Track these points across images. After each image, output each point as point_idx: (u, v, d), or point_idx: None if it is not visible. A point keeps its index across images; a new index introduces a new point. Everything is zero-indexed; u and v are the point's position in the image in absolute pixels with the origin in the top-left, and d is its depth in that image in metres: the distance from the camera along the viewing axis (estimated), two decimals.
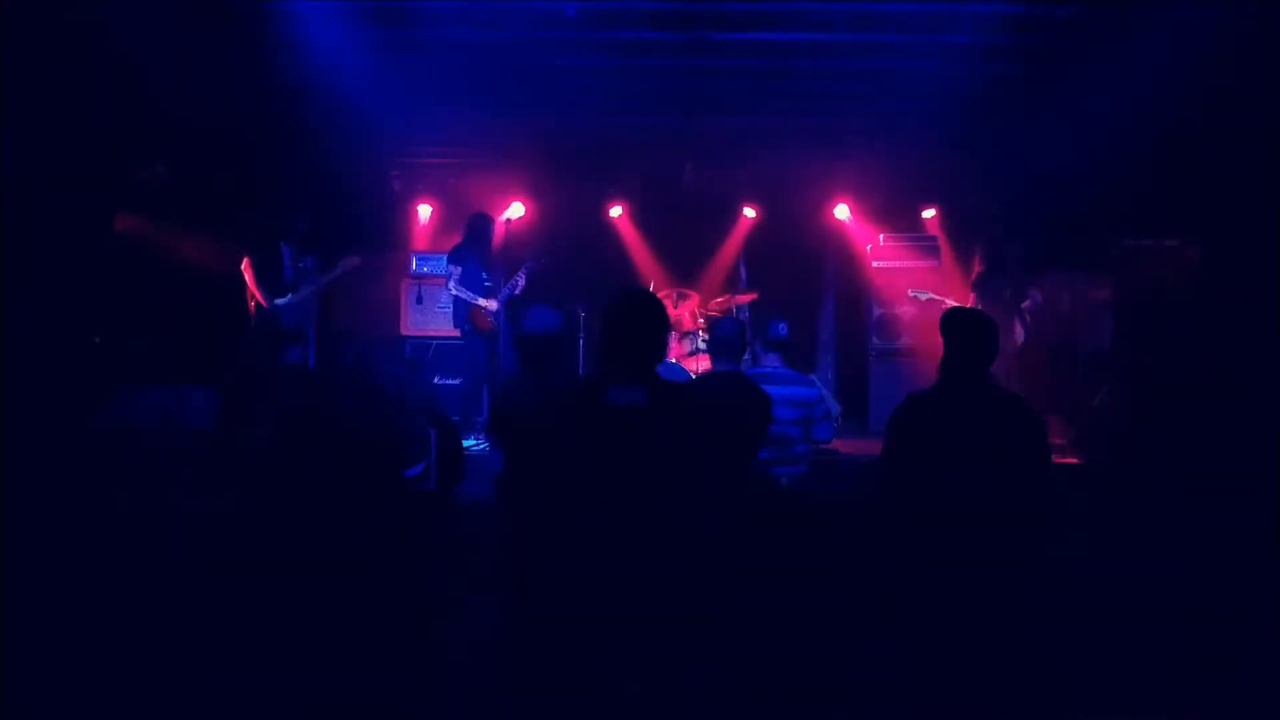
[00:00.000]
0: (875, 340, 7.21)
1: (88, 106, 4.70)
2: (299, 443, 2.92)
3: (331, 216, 6.33)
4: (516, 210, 7.70)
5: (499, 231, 6.66)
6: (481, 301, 5.91)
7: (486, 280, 5.95)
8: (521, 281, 6.12)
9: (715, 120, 6.63)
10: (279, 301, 5.41)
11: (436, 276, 7.25)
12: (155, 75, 4.83)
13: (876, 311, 7.22)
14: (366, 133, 6.12)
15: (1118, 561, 2.77)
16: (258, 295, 5.36)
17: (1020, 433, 2.58)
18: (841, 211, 7.89)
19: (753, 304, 7.34)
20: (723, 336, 3.62)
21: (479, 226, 6.18)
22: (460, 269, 5.99)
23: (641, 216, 8.00)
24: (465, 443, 4.96)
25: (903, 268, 7.22)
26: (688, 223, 7.81)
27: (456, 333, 6.69)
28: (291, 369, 5.34)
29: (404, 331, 7.25)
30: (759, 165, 7.24)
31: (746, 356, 6.69)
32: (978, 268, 6.57)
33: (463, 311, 5.98)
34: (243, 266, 5.36)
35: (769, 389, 3.53)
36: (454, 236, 7.47)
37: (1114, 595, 2.61)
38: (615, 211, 8.02)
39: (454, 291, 5.97)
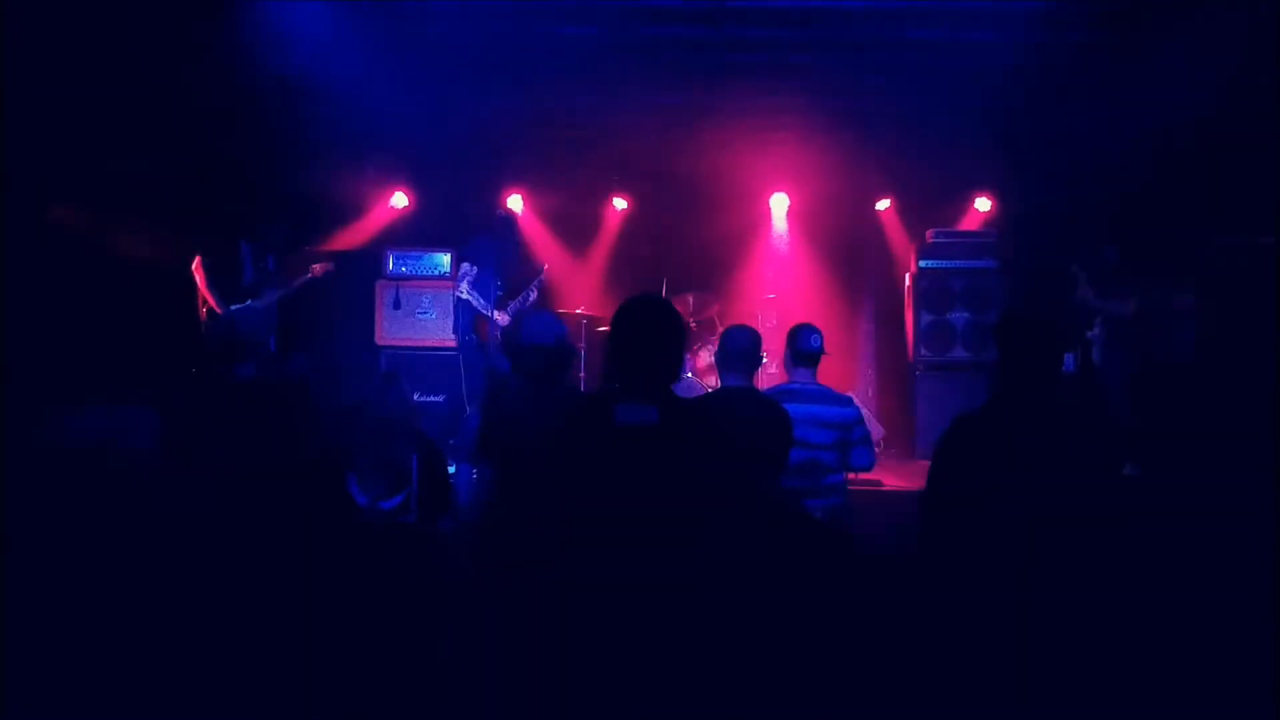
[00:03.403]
0: (924, 352, 7.23)
1: (17, 77, 4.75)
2: (247, 467, 2.97)
3: (292, 205, 6.40)
4: (515, 203, 7.78)
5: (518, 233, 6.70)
6: (496, 314, 5.93)
7: (499, 289, 5.99)
8: (534, 294, 6.19)
9: (737, 100, 6.70)
10: (235, 308, 5.43)
11: (416, 277, 7.32)
12: (96, 47, 4.92)
13: (925, 319, 7.26)
14: (338, 110, 6.20)
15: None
16: (210, 300, 5.37)
17: (1090, 459, 2.61)
18: (883, 204, 7.95)
19: (781, 309, 7.38)
20: (735, 347, 3.63)
21: (504, 227, 6.23)
22: (475, 269, 6.01)
23: (652, 209, 8.07)
24: (451, 469, 5.00)
25: (954, 268, 7.26)
26: (705, 216, 7.87)
27: (440, 343, 6.74)
28: (245, 386, 5.35)
29: (379, 340, 7.30)
30: (787, 151, 7.30)
31: (773, 371, 6.80)
32: None
33: (468, 319, 6.02)
34: (194, 267, 5.38)
35: (798, 407, 3.54)
36: (433, 231, 7.57)
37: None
38: (620, 204, 8.10)
39: (464, 295, 5.97)
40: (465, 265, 6.07)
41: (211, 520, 2.92)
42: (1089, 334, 6.07)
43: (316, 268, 5.80)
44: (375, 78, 6.04)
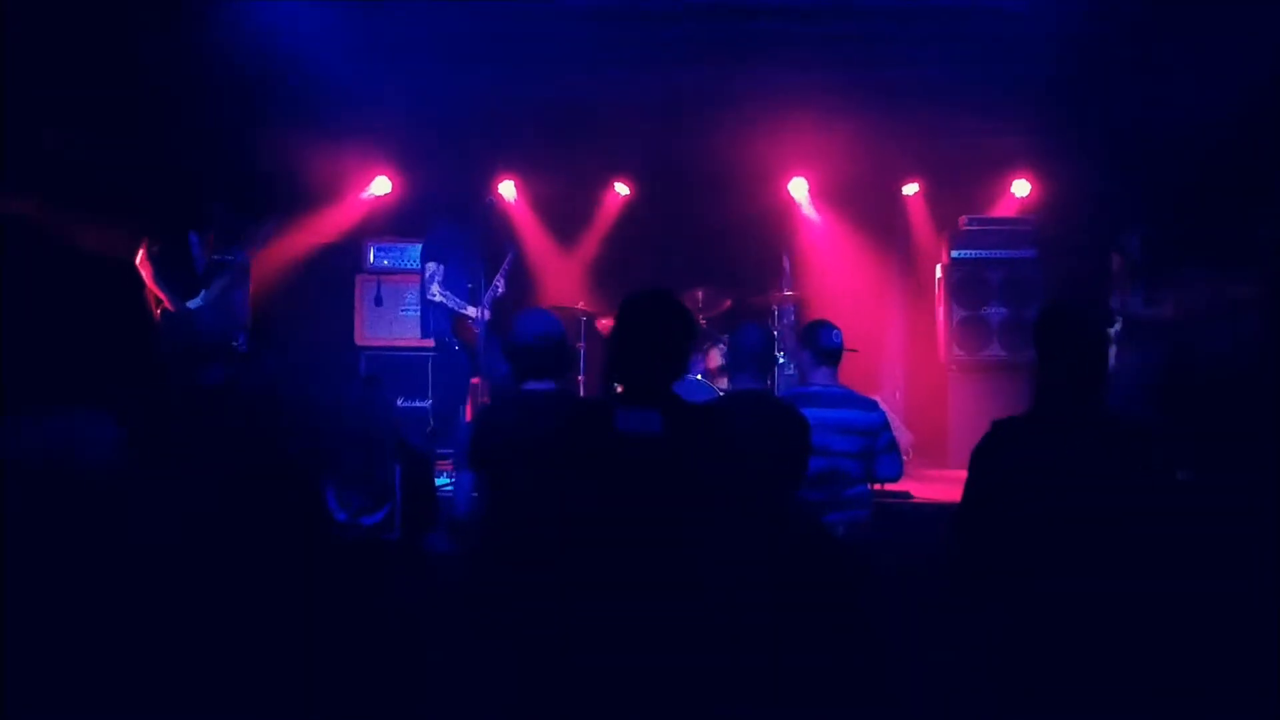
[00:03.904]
0: (956, 350, 7.22)
1: None
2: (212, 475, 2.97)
3: (254, 193, 6.40)
4: (508, 190, 7.76)
5: (491, 214, 6.61)
6: (470, 310, 5.88)
7: (469, 282, 5.89)
8: (501, 285, 6.12)
9: (749, 75, 6.68)
10: (191, 304, 5.42)
11: (400, 271, 7.32)
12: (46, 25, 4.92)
13: (958, 314, 7.23)
14: (311, 86, 6.19)
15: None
16: (162, 297, 5.35)
17: (1142, 468, 2.59)
18: (911, 188, 7.92)
19: (798, 306, 7.37)
20: (746, 346, 3.63)
21: (466, 210, 6.13)
22: (442, 267, 5.91)
23: (658, 195, 8.06)
24: (438, 480, 4.99)
25: (990, 258, 7.23)
26: (716, 204, 7.85)
27: (423, 342, 6.72)
28: (211, 393, 5.34)
29: (359, 341, 7.30)
30: (805, 131, 7.28)
31: (792, 372, 6.79)
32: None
33: (445, 320, 5.94)
34: (138, 262, 5.34)
35: (818, 412, 3.54)
36: (419, 220, 7.53)
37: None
38: (622, 189, 8.09)
39: (437, 298, 5.89)
40: (432, 265, 5.93)
41: (177, 539, 2.92)
42: (1111, 330, 6.07)
43: (264, 229, 5.77)
44: (351, 48, 6.01)
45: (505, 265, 6.14)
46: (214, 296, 5.51)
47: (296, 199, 7.19)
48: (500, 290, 6.08)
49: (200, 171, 5.92)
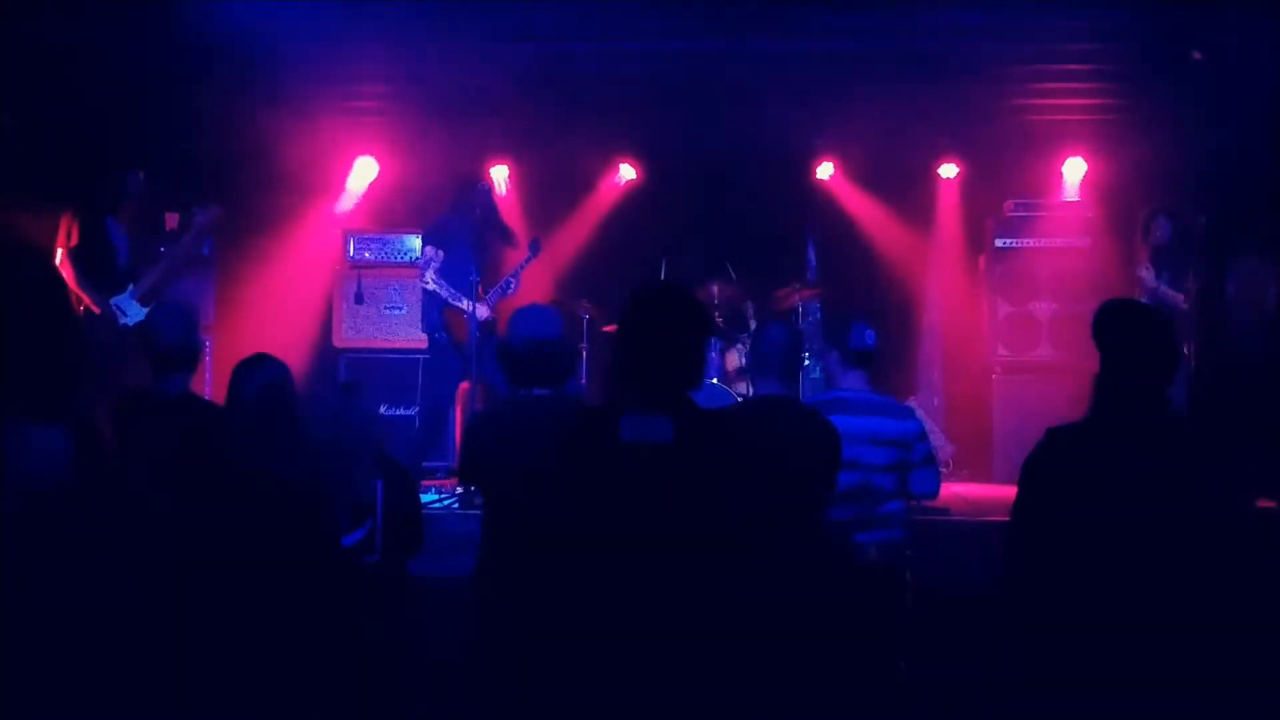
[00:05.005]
0: (1002, 350, 7.21)
1: None
2: (195, 500, 2.96)
3: (197, 174, 6.40)
4: (500, 174, 7.78)
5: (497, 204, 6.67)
6: (466, 304, 5.90)
7: (474, 275, 5.94)
8: (516, 282, 6.18)
9: (767, 45, 6.68)
10: (117, 300, 5.38)
11: (382, 265, 7.33)
12: None
13: (1004, 310, 7.21)
14: (274, 55, 6.18)
15: None
16: (84, 297, 5.33)
17: (1212, 478, 2.58)
18: (949, 169, 7.91)
19: (825, 301, 7.36)
20: (770, 348, 3.61)
21: (475, 198, 6.19)
22: (443, 254, 6.01)
23: (665, 179, 8.06)
24: (424, 498, 4.99)
25: (1038, 247, 7.21)
26: (731, 188, 7.85)
27: (411, 344, 6.74)
28: (176, 401, 5.32)
29: (338, 342, 7.32)
30: (829, 108, 7.27)
31: (817, 376, 6.78)
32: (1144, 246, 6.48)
33: (436, 313, 6.01)
34: (58, 263, 5.24)
35: (848, 420, 3.54)
36: (404, 206, 7.56)
37: None
38: (628, 172, 8.10)
39: (431, 285, 5.99)
40: (429, 249, 6.08)
41: (149, 575, 2.91)
42: None
43: (203, 216, 5.75)
44: (323, 11, 6.00)
45: (525, 262, 6.21)
46: (147, 290, 5.46)
47: (261, 182, 7.19)
48: (514, 289, 6.15)
49: (119, 146, 5.87)
